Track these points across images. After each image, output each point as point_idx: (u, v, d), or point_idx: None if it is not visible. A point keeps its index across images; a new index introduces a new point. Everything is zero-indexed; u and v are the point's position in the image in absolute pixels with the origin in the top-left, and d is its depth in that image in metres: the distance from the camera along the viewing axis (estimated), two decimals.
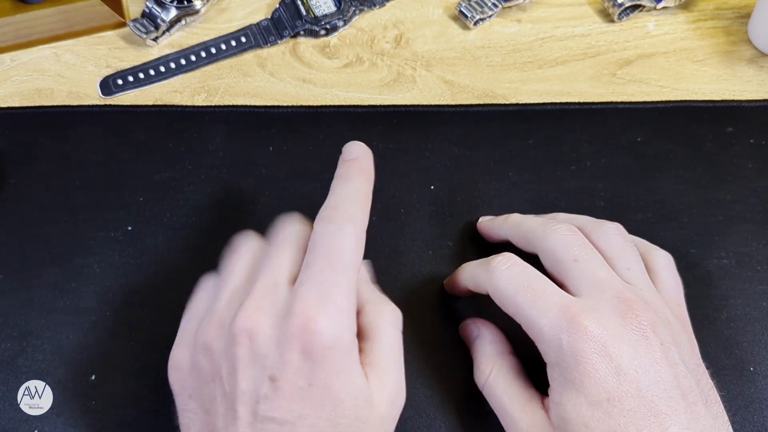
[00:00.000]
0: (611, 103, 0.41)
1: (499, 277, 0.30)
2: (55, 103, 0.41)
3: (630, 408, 0.26)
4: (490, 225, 0.36)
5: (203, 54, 0.43)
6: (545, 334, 0.28)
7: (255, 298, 0.27)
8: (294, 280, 0.28)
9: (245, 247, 0.30)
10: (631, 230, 0.32)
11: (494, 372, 0.30)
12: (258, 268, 0.29)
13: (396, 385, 0.28)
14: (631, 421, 0.26)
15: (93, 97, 0.42)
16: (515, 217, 0.34)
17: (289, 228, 0.30)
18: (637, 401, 0.26)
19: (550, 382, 0.28)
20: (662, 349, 0.27)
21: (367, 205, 0.30)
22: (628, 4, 0.43)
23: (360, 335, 0.28)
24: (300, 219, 0.30)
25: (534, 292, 0.29)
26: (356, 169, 0.30)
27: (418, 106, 0.41)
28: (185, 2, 0.43)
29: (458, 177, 0.39)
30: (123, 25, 0.44)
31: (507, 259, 0.30)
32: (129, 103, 0.41)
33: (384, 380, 0.28)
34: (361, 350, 0.28)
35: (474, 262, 0.33)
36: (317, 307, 0.26)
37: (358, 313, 0.29)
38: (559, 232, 0.31)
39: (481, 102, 0.41)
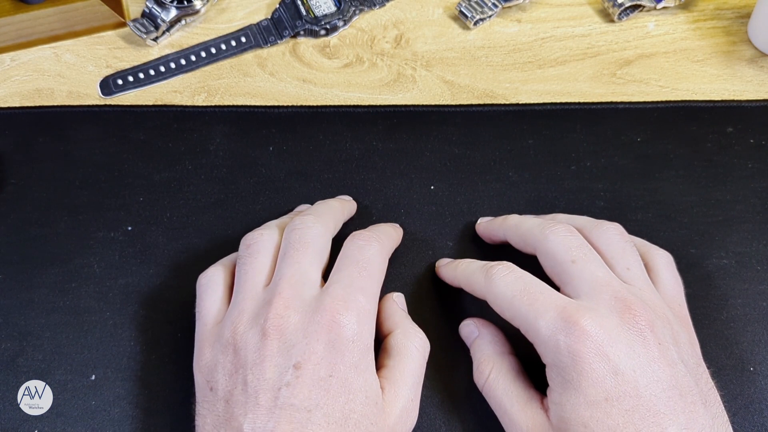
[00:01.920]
0: (611, 103, 0.41)
1: (497, 283, 0.30)
2: (55, 103, 0.41)
3: (628, 408, 0.26)
4: (489, 226, 0.36)
5: (203, 54, 0.43)
6: (543, 335, 0.28)
7: (284, 297, 0.29)
8: (315, 279, 0.30)
9: (260, 245, 0.32)
10: (631, 230, 0.32)
11: (494, 372, 0.31)
12: (279, 267, 0.30)
13: (409, 403, 0.29)
14: (629, 420, 0.26)
15: (93, 97, 0.42)
16: (514, 219, 0.34)
17: (304, 228, 0.31)
18: (636, 401, 0.26)
19: (549, 383, 0.28)
20: (660, 348, 0.27)
21: (392, 240, 0.34)
22: (628, 4, 0.43)
23: (387, 353, 0.30)
24: (313, 219, 0.32)
25: (531, 295, 0.29)
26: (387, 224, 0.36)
27: (418, 106, 0.41)
28: (185, 2, 0.43)
29: (458, 177, 0.39)
30: (123, 25, 0.44)
31: (505, 266, 0.30)
32: (129, 103, 0.41)
33: (398, 394, 0.29)
34: (384, 366, 0.30)
35: (472, 264, 0.33)
36: (344, 304, 0.28)
37: (389, 334, 0.31)
38: (558, 233, 0.31)
39: (481, 102, 0.41)
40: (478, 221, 0.37)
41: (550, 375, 0.28)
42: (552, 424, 0.28)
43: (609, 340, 0.27)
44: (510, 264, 0.31)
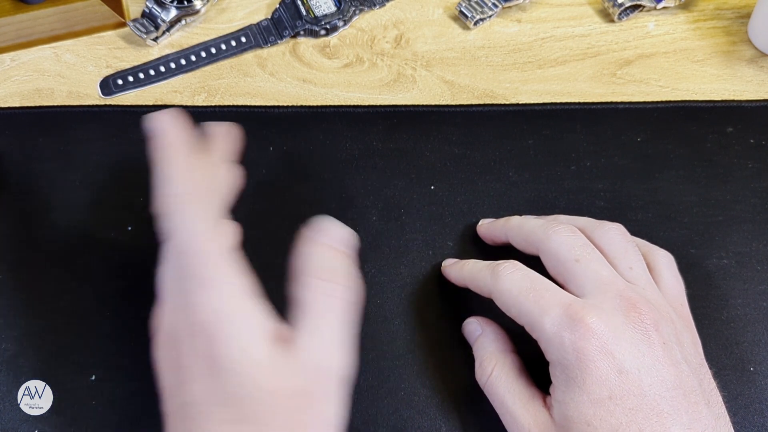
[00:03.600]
0: (611, 103, 0.41)
1: (503, 279, 0.30)
2: (55, 103, 0.41)
3: (632, 407, 0.26)
4: (491, 228, 0.36)
5: (203, 54, 0.43)
6: (547, 332, 0.28)
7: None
8: None
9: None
10: (631, 230, 0.32)
11: (496, 370, 0.31)
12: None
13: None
14: (632, 419, 0.26)
15: (93, 97, 0.42)
16: (516, 220, 0.34)
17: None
18: (639, 400, 0.26)
19: (553, 380, 0.28)
20: (665, 348, 0.27)
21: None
22: (628, 4, 0.43)
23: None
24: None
25: (537, 292, 0.29)
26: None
27: (418, 106, 0.41)
28: (185, 2, 0.43)
29: (458, 177, 0.39)
30: (123, 25, 0.44)
31: (511, 264, 0.30)
32: (129, 103, 0.41)
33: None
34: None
35: (478, 263, 0.33)
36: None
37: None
38: (561, 233, 0.31)
39: (481, 102, 0.41)
40: (480, 222, 0.37)
41: (554, 372, 0.28)
42: (555, 422, 0.28)
43: (614, 339, 0.27)
44: (517, 262, 0.31)
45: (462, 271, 0.33)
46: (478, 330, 0.33)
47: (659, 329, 0.27)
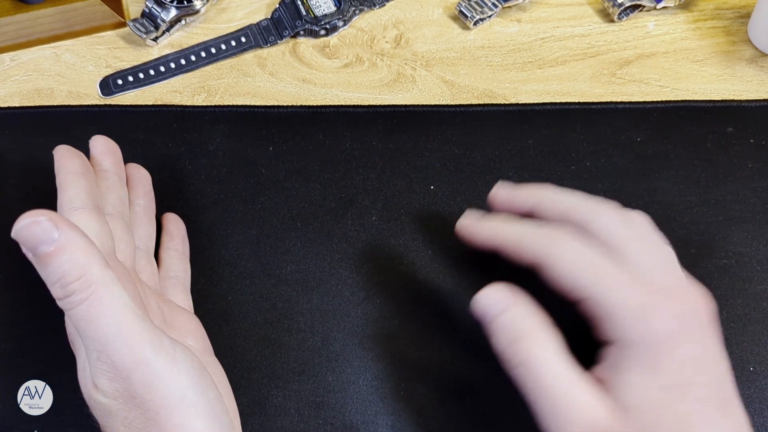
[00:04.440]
0: (611, 103, 0.41)
1: (568, 246, 0.28)
2: (55, 103, 0.41)
3: (701, 396, 0.26)
4: (513, 194, 0.33)
5: (203, 54, 0.43)
6: (625, 310, 0.27)
7: None
8: None
9: None
10: None
11: (539, 347, 0.27)
12: None
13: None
14: (699, 408, 0.26)
15: (93, 97, 0.42)
16: (550, 189, 0.32)
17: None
18: (708, 390, 0.26)
19: (620, 361, 0.27)
20: (721, 343, 0.28)
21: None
22: (628, 4, 0.43)
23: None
24: None
25: (609, 267, 0.28)
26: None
27: (417, 106, 0.41)
28: (185, 2, 0.43)
29: (458, 177, 0.39)
30: (123, 25, 0.44)
31: (573, 232, 0.29)
32: (129, 103, 0.41)
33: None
34: None
35: (522, 222, 0.30)
36: None
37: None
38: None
39: (481, 102, 0.41)
40: (493, 191, 0.33)
41: (623, 353, 0.27)
42: (617, 404, 0.26)
43: (685, 327, 0.27)
44: (576, 231, 0.29)
45: (498, 229, 0.30)
46: (505, 301, 0.28)
47: (713, 323, 0.28)
